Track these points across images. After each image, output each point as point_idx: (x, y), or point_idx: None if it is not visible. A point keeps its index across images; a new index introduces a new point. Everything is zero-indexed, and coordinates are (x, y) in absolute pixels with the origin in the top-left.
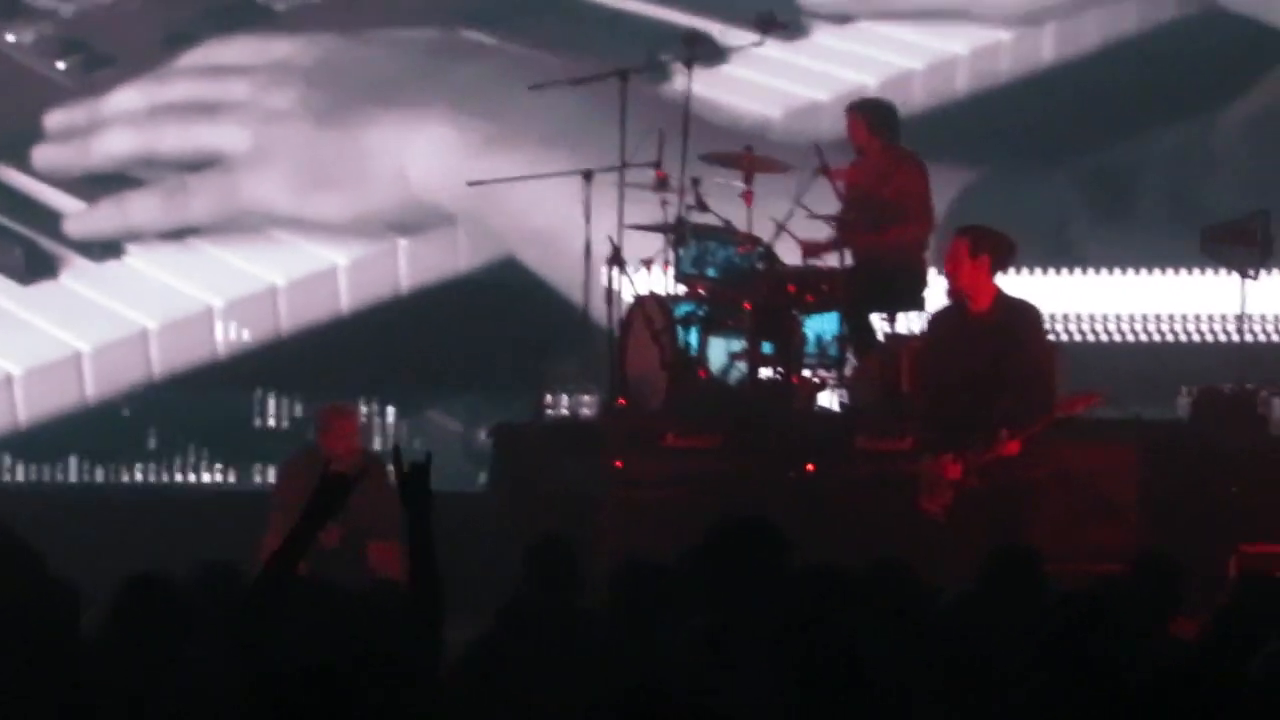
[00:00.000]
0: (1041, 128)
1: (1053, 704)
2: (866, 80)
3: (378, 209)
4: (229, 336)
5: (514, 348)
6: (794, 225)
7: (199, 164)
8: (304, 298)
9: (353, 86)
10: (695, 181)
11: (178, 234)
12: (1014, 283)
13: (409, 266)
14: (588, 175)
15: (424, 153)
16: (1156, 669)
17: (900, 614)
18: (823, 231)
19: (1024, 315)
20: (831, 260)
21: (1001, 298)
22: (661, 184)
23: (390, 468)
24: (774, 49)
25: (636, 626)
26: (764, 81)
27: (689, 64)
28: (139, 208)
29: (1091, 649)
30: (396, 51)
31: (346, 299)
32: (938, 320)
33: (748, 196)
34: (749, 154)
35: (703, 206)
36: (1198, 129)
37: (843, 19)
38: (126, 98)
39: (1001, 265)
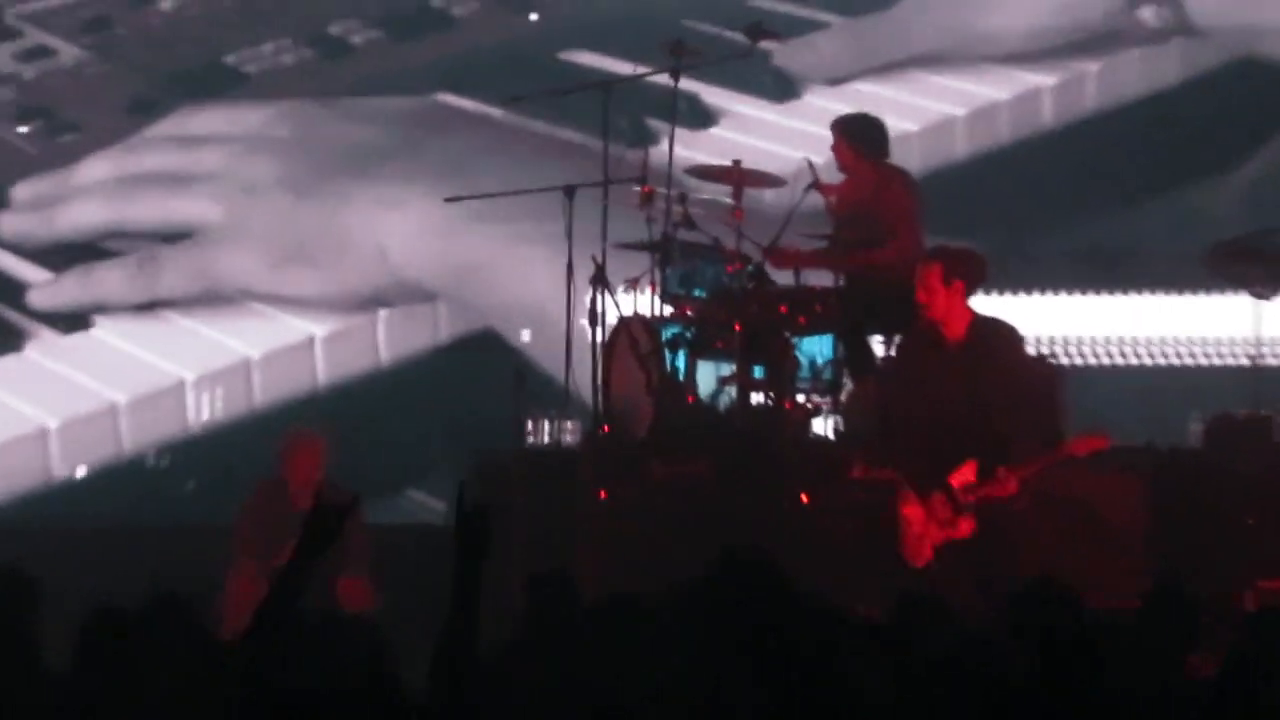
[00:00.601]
0: (1036, 195)
1: None
2: None
3: (356, 286)
4: (201, 410)
5: (495, 420)
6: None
7: (171, 235)
8: (279, 370)
9: (330, 159)
10: (682, 197)
11: (148, 306)
12: (1017, 304)
13: (389, 338)
14: (570, 191)
15: (404, 230)
16: (1171, 708)
17: (916, 657)
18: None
19: (1002, 337)
20: (818, 276)
21: (978, 322)
22: (647, 200)
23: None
24: (765, 111)
25: (621, 666)
26: (754, 145)
27: (675, 74)
28: (108, 280)
29: (1094, 689)
30: (375, 123)
31: (324, 371)
32: (908, 349)
33: (737, 214)
34: (738, 168)
35: (690, 224)
36: (1199, 196)
37: (834, 81)
38: (95, 167)
39: (975, 288)
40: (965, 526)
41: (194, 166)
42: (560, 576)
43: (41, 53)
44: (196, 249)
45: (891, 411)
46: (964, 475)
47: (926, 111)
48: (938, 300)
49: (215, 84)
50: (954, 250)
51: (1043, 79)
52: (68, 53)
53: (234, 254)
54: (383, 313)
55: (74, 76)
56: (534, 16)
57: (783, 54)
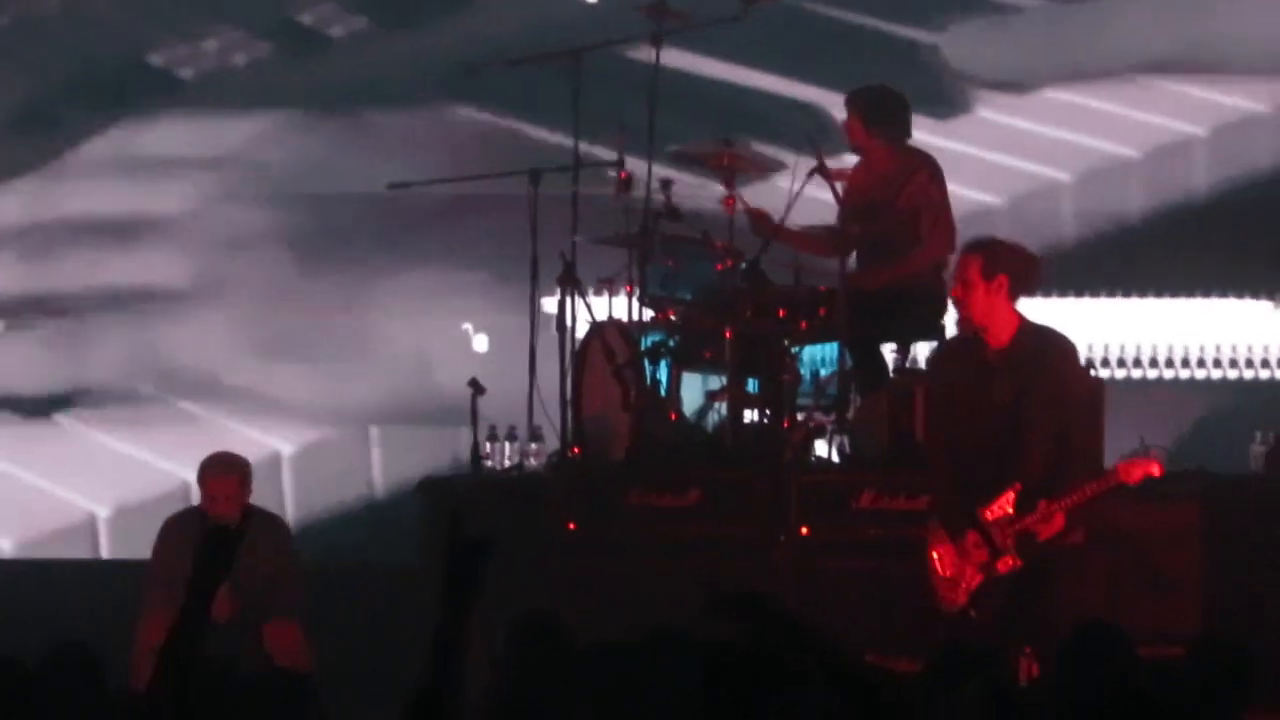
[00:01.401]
0: None
1: None
2: (1058, 174)
3: (370, 400)
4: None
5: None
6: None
7: (113, 301)
8: None
9: (348, 212)
10: (665, 184)
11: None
12: (1052, 308)
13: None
14: (535, 176)
15: (455, 336)
16: None
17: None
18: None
19: (1055, 349)
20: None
21: (1026, 328)
22: (625, 187)
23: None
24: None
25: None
26: None
27: (656, 40)
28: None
29: None
30: (404, 149)
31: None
32: (944, 357)
33: (729, 202)
34: (730, 150)
35: (674, 214)
36: None
37: (1016, 86)
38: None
39: (1023, 288)
40: (1004, 565)
41: (150, 206)
42: (547, 619)
43: None
44: (146, 323)
45: (923, 430)
46: (1001, 507)
47: (1152, 129)
48: (976, 297)
49: (136, 91)
50: (1000, 242)
51: None
52: None
53: (198, 334)
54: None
55: None
56: None
57: (951, 49)
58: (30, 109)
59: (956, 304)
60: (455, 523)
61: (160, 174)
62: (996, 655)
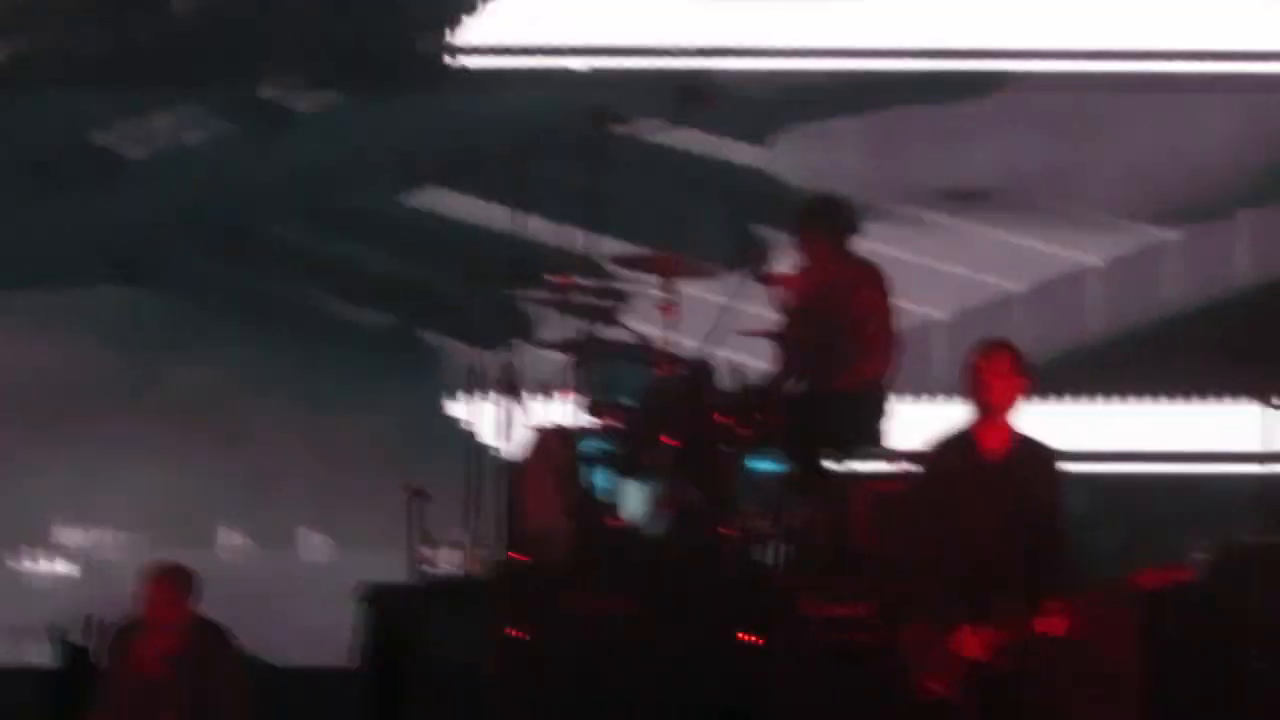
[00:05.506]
0: None
1: None
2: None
3: None
4: None
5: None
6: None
7: None
8: None
9: None
10: (605, 289)
11: None
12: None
13: None
14: (476, 281)
15: None
16: None
17: None
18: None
19: (1049, 459)
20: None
21: (1019, 435)
22: (565, 292)
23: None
24: None
25: None
26: None
27: (601, 144)
28: None
29: None
30: None
31: None
32: (939, 456)
33: (668, 307)
34: (669, 256)
35: (614, 319)
36: None
37: None
38: None
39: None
40: (997, 661)
41: None
42: None
43: None
44: None
45: (916, 530)
46: (999, 604)
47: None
48: (1011, 389)
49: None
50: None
51: None
52: None
53: None
54: None
55: None
56: None
57: None
58: None
59: (990, 391)
60: (374, 628)
61: None
62: None
